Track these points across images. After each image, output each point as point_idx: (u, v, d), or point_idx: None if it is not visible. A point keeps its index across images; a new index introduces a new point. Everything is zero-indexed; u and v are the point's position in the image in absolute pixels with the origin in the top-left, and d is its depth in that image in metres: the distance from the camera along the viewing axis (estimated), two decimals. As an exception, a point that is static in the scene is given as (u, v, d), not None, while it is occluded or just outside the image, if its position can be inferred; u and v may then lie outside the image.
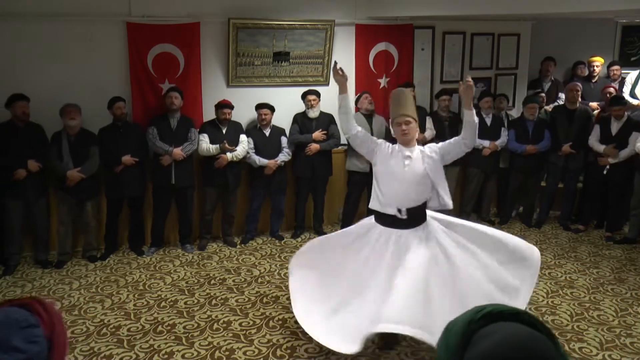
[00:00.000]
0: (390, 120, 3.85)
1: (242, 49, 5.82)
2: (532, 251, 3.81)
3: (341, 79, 3.69)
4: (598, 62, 7.14)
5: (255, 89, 6.01)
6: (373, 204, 3.77)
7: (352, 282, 3.72)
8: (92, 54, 5.45)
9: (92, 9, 5.37)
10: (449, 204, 3.75)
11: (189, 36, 5.65)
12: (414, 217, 3.67)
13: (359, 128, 3.75)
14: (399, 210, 3.63)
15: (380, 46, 6.41)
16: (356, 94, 6.20)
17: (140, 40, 5.54)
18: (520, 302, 3.61)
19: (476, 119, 3.58)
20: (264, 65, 5.99)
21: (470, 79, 3.59)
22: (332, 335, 3.59)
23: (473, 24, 6.80)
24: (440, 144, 3.75)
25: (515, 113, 7.01)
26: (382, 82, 6.48)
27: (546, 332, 0.99)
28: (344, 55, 6.25)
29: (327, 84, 6.23)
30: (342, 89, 3.71)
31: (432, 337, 3.25)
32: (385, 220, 3.70)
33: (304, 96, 5.96)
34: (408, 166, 3.62)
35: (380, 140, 3.80)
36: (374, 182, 3.78)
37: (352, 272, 3.75)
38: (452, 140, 3.70)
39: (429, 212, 3.79)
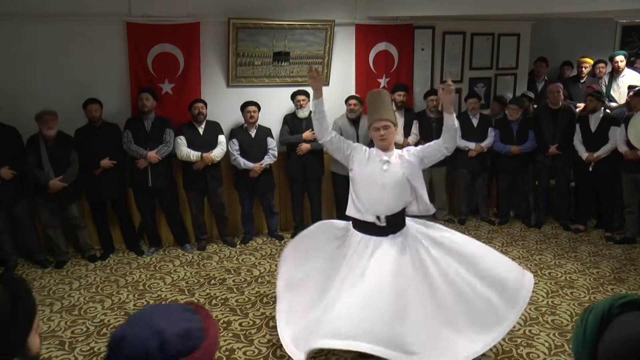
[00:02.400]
0: (368, 124, 3.70)
1: (242, 49, 5.82)
2: (522, 285, 3.62)
3: (317, 83, 3.52)
4: (587, 62, 7.14)
5: (255, 89, 6.00)
6: (350, 211, 3.61)
7: (322, 285, 3.67)
8: (92, 54, 5.45)
9: (92, 9, 5.36)
10: (430, 209, 3.61)
11: (189, 36, 5.65)
12: (394, 224, 3.54)
13: (334, 133, 3.60)
14: (378, 218, 3.49)
15: (380, 46, 6.41)
16: (356, 94, 6.20)
17: (140, 40, 5.53)
18: (499, 332, 3.53)
19: (457, 123, 3.45)
20: (264, 65, 5.99)
21: (450, 82, 3.42)
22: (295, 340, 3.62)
23: (473, 24, 6.80)
24: (420, 147, 3.61)
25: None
26: (382, 82, 6.48)
27: None
28: (344, 55, 6.26)
29: (327, 84, 6.23)
30: (318, 94, 3.54)
31: (395, 353, 3.13)
32: (364, 227, 3.56)
33: (293, 96, 5.93)
34: (387, 171, 3.45)
35: (357, 144, 3.64)
36: (351, 188, 3.62)
37: (325, 276, 3.68)
38: (432, 143, 3.53)
39: (417, 225, 3.67)
